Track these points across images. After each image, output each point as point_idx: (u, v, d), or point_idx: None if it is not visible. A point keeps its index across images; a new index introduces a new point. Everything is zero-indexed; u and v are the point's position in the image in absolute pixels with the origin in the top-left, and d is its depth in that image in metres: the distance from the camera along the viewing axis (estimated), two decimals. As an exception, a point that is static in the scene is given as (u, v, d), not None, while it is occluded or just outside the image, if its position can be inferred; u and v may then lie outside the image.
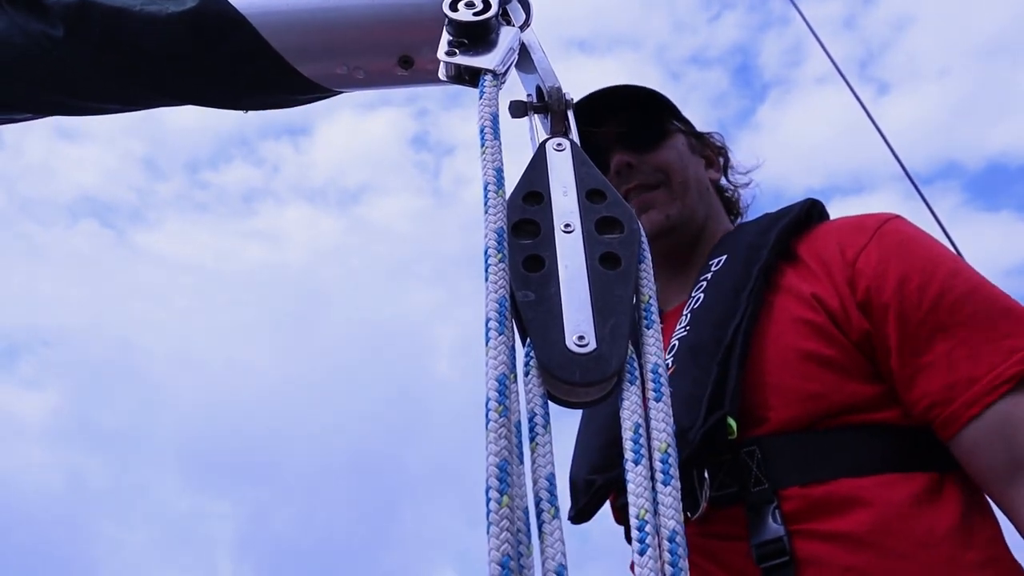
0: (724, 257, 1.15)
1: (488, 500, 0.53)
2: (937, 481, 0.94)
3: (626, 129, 1.29)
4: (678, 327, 1.12)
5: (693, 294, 1.14)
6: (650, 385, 0.60)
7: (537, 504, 0.55)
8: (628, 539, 1.15)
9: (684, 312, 1.13)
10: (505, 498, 0.52)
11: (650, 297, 0.64)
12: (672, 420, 0.59)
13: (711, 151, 1.37)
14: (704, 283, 1.13)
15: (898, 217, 1.10)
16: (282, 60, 0.81)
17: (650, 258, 0.67)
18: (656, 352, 0.62)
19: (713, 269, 1.14)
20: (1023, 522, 0.89)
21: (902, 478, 0.94)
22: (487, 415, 0.55)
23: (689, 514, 0.98)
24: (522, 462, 0.57)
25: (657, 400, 0.60)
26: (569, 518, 1.13)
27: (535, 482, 0.56)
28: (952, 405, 0.92)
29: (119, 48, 0.83)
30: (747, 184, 1.39)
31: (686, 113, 1.36)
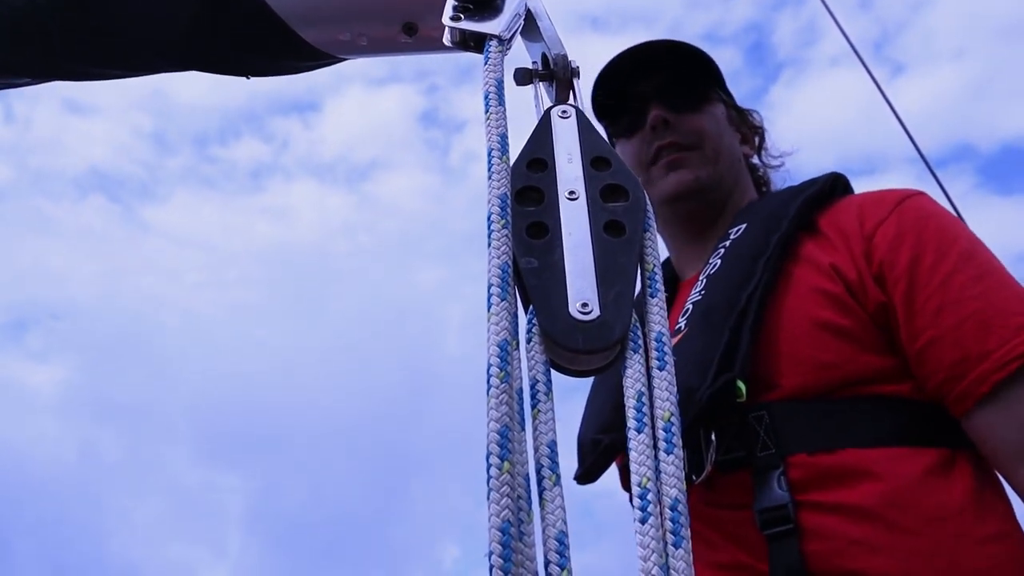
0: (744, 225, 1.15)
1: (489, 466, 0.52)
2: (949, 457, 0.94)
3: (671, 86, 1.28)
4: (693, 291, 1.12)
5: (710, 260, 1.14)
6: (654, 354, 0.60)
7: (538, 471, 0.55)
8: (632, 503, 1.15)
9: (700, 278, 1.13)
10: (506, 464, 0.52)
11: (654, 266, 0.64)
12: (675, 389, 0.59)
13: (748, 128, 1.37)
14: (722, 250, 1.13)
15: (921, 194, 1.10)
16: (285, 25, 0.80)
17: (655, 226, 0.66)
18: (660, 321, 0.61)
19: (732, 237, 1.14)
20: None
21: (912, 452, 0.94)
22: (488, 381, 0.55)
23: (694, 477, 0.98)
24: (523, 429, 0.57)
25: (660, 369, 0.59)
26: (575, 478, 1.13)
27: (536, 449, 0.56)
28: (963, 382, 0.92)
29: (122, 13, 0.82)
30: (778, 166, 1.39)
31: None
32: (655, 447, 0.56)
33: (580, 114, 0.70)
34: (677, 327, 1.10)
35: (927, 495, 0.91)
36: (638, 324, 0.60)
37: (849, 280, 1.01)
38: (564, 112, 0.70)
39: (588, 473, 1.11)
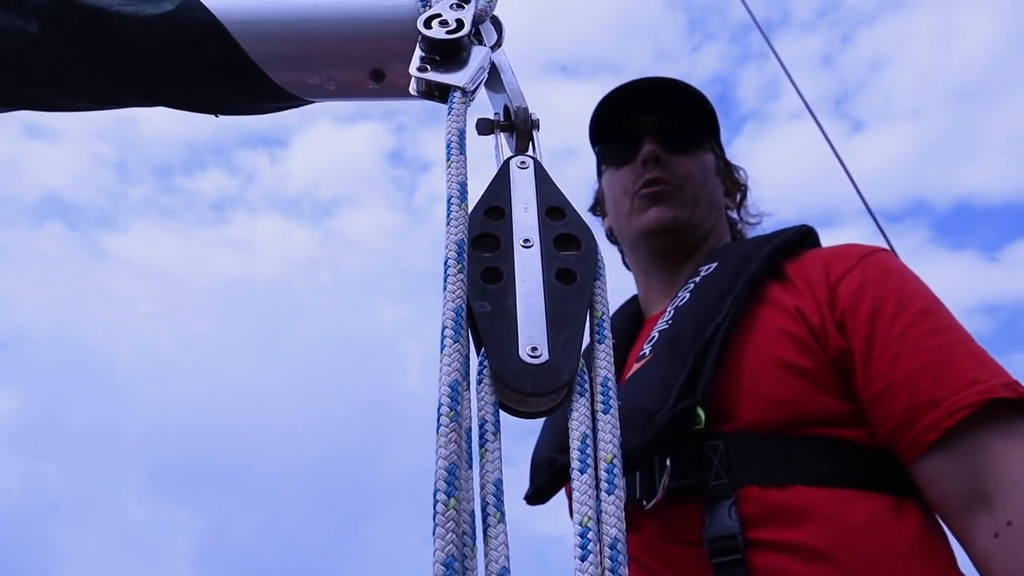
0: (715, 264, 1.18)
1: (436, 503, 0.54)
2: (896, 504, 0.96)
3: (669, 124, 1.32)
4: (661, 321, 1.15)
5: (679, 294, 1.17)
6: (599, 398, 0.62)
7: (484, 508, 0.57)
8: None
9: (668, 308, 1.16)
10: (452, 500, 0.54)
11: (603, 313, 0.67)
12: (619, 432, 0.61)
13: (732, 182, 1.41)
14: (692, 285, 1.16)
15: (885, 251, 1.15)
16: (256, 67, 0.82)
17: (606, 276, 0.69)
18: (607, 366, 0.64)
19: (703, 274, 1.17)
20: (977, 551, 0.91)
21: (861, 495, 0.96)
22: (439, 420, 0.57)
23: (645, 502, 0.99)
24: (471, 467, 0.59)
25: (605, 412, 0.62)
26: (525, 498, 1.14)
27: (483, 487, 0.58)
28: (913, 429, 0.95)
29: (94, 47, 0.84)
30: (755, 224, 1.43)
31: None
32: (597, 487, 0.58)
33: (538, 165, 0.73)
34: (642, 353, 1.12)
35: (874, 538, 0.93)
36: (585, 369, 0.63)
37: (812, 324, 1.04)
38: (523, 163, 0.73)
39: (539, 492, 1.12)
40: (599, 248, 0.69)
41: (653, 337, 1.12)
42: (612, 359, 0.64)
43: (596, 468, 0.59)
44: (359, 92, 0.85)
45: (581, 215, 0.71)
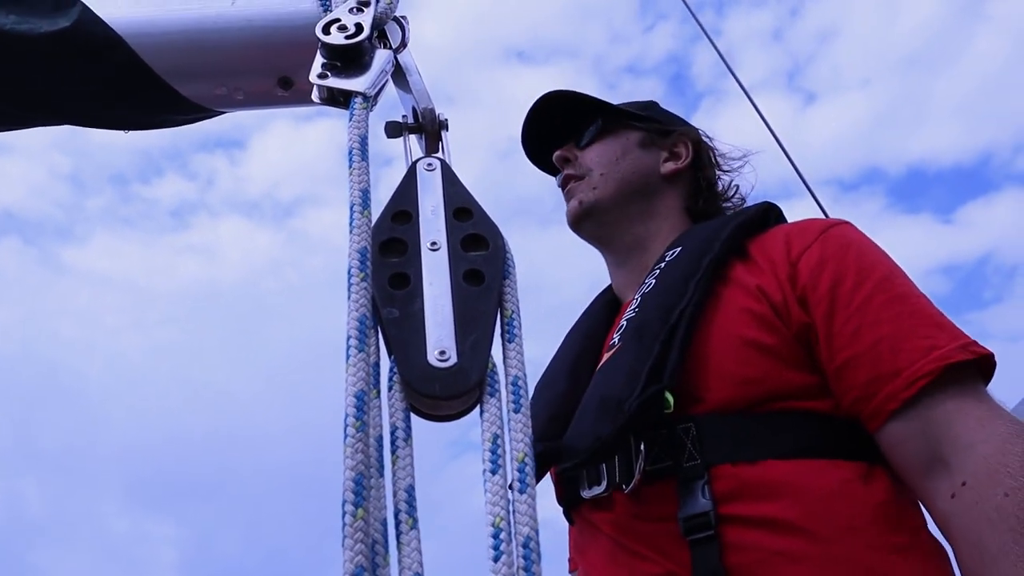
0: (679, 249, 1.19)
1: (344, 514, 0.54)
2: (866, 470, 0.98)
3: (564, 130, 1.40)
4: (629, 309, 1.16)
5: (646, 280, 1.18)
6: (510, 397, 0.63)
7: (396, 515, 0.57)
8: (567, 516, 1.18)
9: (636, 296, 1.17)
10: (360, 511, 0.54)
11: (513, 312, 0.67)
12: (530, 431, 0.62)
13: (681, 145, 1.40)
14: (658, 271, 1.18)
15: (846, 223, 1.16)
16: (161, 80, 0.81)
17: (515, 274, 0.69)
18: (517, 364, 0.64)
19: (667, 259, 1.19)
20: (937, 513, 0.93)
21: (830, 464, 0.98)
22: (345, 430, 0.57)
23: (624, 485, 1.01)
24: (382, 475, 0.59)
25: (516, 411, 0.62)
26: (509, 487, 1.15)
27: (395, 494, 0.58)
28: (875, 400, 0.97)
29: None
30: (740, 167, 1.42)
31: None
32: (509, 487, 0.59)
33: (445, 166, 0.73)
34: (612, 343, 1.14)
35: (843, 506, 0.95)
36: (496, 369, 0.63)
37: (774, 301, 1.06)
38: (430, 165, 0.73)
39: None
40: (507, 246, 0.69)
41: (622, 326, 1.14)
42: (523, 357, 0.64)
43: (507, 468, 0.59)
44: (269, 100, 0.85)
45: (489, 215, 0.71)
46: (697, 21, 1.87)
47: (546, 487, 1.20)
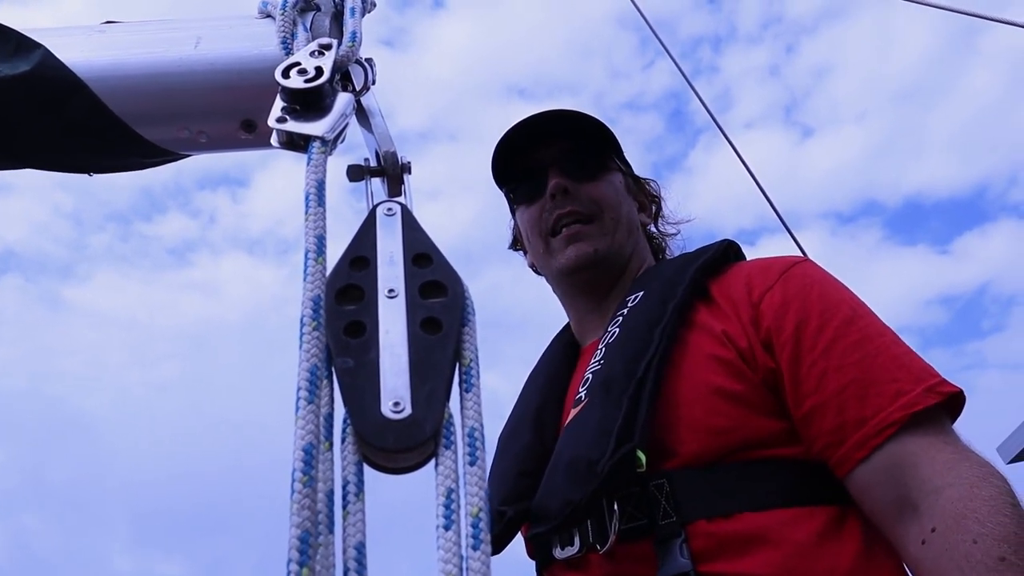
0: (641, 293, 1.17)
1: (288, 573, 0.52)
2: (839, 514, 0.97)
3: (570, 154, 1.30)
4: (593, 360, 1.13)
5: (609, 328, 1.16)
6: (466, 449, 0.61)
7: (345, 574, 0.55)
8: (539, 573, 1.15)
9: (600, 346, 1.15)
10: (305, 570, 0.52)
11: (471, 360, 0.65)
12: (486, 484, 0.60)
13: (645, 196, 1.40)
14: (620, 318, 1.15)
15: (806, 261, 1.14)
16: (123, 124, 0.81)
17: (475, 321, 0.68)
18: (474, 416, 0.62)
19: (629, 305, 1.16)
20: (909, 558, 0.92)
21: (805, 513, 0.96)
22: (292, 486, 0.55)
23: (599, 547, 0.99)
24: (332, 532, 0.57)
25: (472, 464, 0.60)
26: None
27: (344, 551, 0.56)
28: (843, 447, 0.96)
29: None
30: (675, 234, 1.41)
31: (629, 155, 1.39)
32: (463, 544, 0.57)
33: (405, 211, 0.72)
34: (578, 397, 1.11)
35: (820, 557, 0.93)
36: (452, 420, 0.62)
37: (740, 347, 1.04)
38: (390, 209, 0.72)
39: (492, 545, 1.11)
40: (467, 293, 0.68)
41: (587, 379, 1.11)
42: (480, 408, 0.62)
43: (461, 524, 0.57)
44: (233, 143, 0.84)
45: (449, 260, 0.70)
46: (667, 50, 1.86)
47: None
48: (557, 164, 1.29)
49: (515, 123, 1.32)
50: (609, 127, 1.32)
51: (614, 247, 1.27)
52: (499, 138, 1.33)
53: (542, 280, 1.41)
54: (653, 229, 1.41)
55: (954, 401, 0.97)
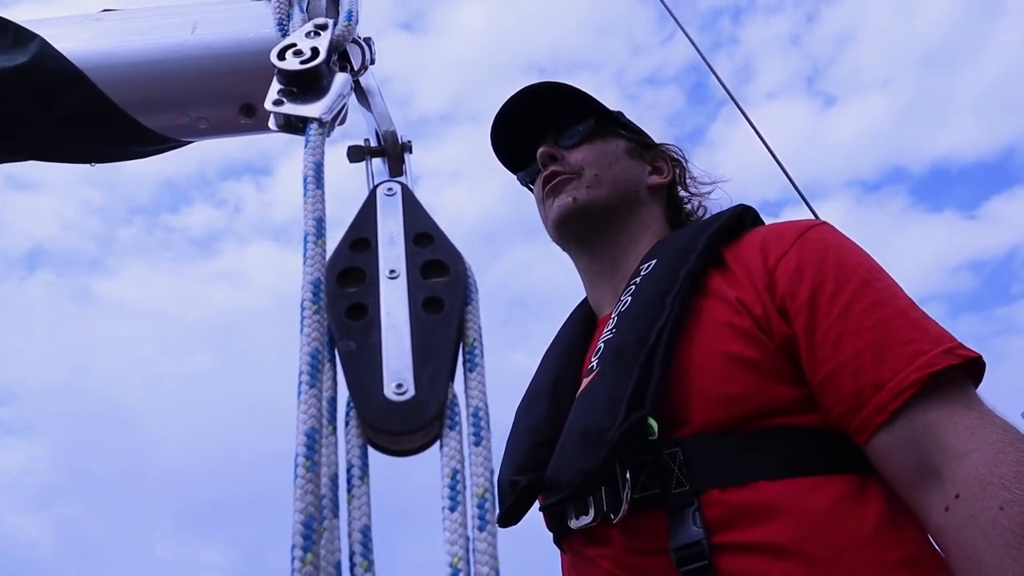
0: (654, 262, 1.16)
1: (292, 559, 0.52)
2: (859, 483, 0.95)
3: (556, 124, 1.34)
4: (606, 330, 1.13)
5: (622, 298, 1.15)
6: (471, 429, 0.60)
7: (351, 558, 0.55)
8: (557, 543, 1.15)
9: (613, 315, 1.14)
10: (309, 555, 0.52)
11: (475, 339, 0.64)
12: (491, 464, 0.59)
13: (663, 161, 1.39)
14: (633, 287, 1.14)
15: (823, 224, 1.12)
16: (123, 113, 0.80)
17: (478, 299, 0.67)
18: (479, 395, 0.62)
19: (643, 273, 1.15)
20: (932, 524, 0.90)
21: (823, 481, 0.95)
22: (295, 470, 0.55)
23: (612, 515, 0.98)
24: (337, 516, 0.56)
25: (477, 444, 0.59)
26: (497, 521, 1.12)
27: (349, 535, 0.56)
28: (861, 412, 0.93)
29: None
30: (709, 192, 1.40)
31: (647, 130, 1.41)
32: (469, 524, 0.56)
33: (406, 190, 0.71)
34: (591, 367, 1.10)
35: (840, 524, 0.92)
36: (456, 400, 0.61)
37: (755, 314, 1.02)
38: (390, 189, 0.71)
39: (507, 516, 1.10)
40: (469, 271, 0.67)
41: (599, 348, 1.10)
42: (484, 387, 0.62)
43: (467, 504, 0.57)
44: (233, 128, 0.83)
45: (450, 239, 0.69)
46: (679, 24, 1.83)
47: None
48: (545, 136, 1.34)
49: (496, 113, 1.37)
50: (592, 97, 1.34)
51: (595, 198, 1.28)
52: (490, 127, 1.39)
53: (567, 257, 1.42)
54: (683, 193, 1.39)
55: (974, 366, 0.95)
